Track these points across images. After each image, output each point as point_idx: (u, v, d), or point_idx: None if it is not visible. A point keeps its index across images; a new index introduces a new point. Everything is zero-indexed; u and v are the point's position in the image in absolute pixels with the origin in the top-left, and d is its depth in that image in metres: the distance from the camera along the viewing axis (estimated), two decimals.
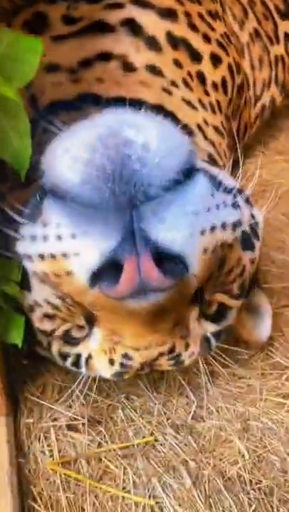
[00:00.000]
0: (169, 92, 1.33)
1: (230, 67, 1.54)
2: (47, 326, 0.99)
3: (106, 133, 0.80)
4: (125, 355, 0.98)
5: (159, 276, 0.79)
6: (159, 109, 1.25)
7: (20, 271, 0.96)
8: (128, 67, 1.28)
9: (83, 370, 1.05)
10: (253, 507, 1.10)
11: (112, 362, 1.00)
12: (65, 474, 1.07)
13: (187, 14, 1.38)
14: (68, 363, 1.06)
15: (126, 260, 0.78)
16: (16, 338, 0.97)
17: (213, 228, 0.85)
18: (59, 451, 1.11)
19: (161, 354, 0.99)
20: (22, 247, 0.89)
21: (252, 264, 1.06)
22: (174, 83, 1.34)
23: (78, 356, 1.04)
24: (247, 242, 1.03)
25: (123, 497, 1.07)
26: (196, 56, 1.39)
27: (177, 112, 1.31)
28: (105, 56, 1.27)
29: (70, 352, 1.04)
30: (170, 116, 1.27)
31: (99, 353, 1.00)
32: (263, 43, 1.89)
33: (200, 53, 1.40)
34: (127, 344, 0.96)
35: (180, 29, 1.35)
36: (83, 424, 1.16)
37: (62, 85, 1.26)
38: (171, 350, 0.99)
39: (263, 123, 2.08)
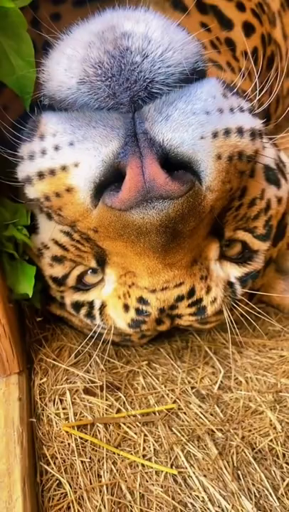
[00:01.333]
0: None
1: (262, 37, 1.47)
2: (58, 271, 0.93)
3: (103, 27, 0.73)
4: (140, 299, 0.90)
5: (165, 180, 0.70)
6: None
7: (29, 214, 0.91)
8: None
9: (98, 320, 0.98)
10: (287, 481, 1.00)
11: (126, 308, 0.93)
12: (80, 438, 0.99)
13: None
14: (82, 313, 1.00)
15: (128, 164, 0.70)
16: (27, 287, 0.91)
17: (227, 132, 0.76)
18: (75, 415, 1.03)
19: (179, 298, 0.91)
20: (22, 171, 0.81)
21: (279, 204, 0.97)
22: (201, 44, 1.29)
23: (92, 304, 0.98)
24: (272, 175, 0.95)
25: (143, 465, 0.99)
26: (226, 23, 1.32)
27: None
28: None
29: (83, 300, 0.98)
30: None
31: (113, 299, 0.93)
32: None
33: (231, 20, 1.33)
34: (142, 285, 0.88)
35: None
36: (101, 388, 1.09)
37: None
38: (191, 293, 0.91)
39: None
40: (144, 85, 0.71)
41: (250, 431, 1.08)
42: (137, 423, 1.05)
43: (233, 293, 0.97)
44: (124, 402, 1.09)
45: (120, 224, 0.74)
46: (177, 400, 1.11)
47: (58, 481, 0.93)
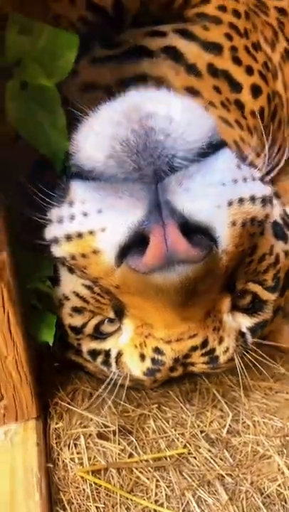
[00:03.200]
0: (206, 109, 1.35)
1: (268, 96, 1.56)
2: (77, 320, 0.99)
3: (129, 108, 0.81)
4: (156, 349, 0.96)
5: (186, 247, 0.77)
6: None
7: (52, 265, 0.96)
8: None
9: (114, 368, 1.03)
10: None
11: (142, 357, 0.98)
12: (95, 483, 1.03)
13: (233, 48, 1.40)
14: (99, 361, 1.04)
15: (152, 231, 0.77)
16: (48, 336, 0.96)
17: (241, 200, 0.84)
18: (89, 460, 1.06)
19: (193, 348, 0.96)
20: (49, 232, 0.89)
21: (286, 257, 1.03)
22: (211, 103, 1.36)
23: (108, 353, 1.02)
24: (279, 231, 1.02)
25: (155, 510, 1.02)
26: (235, 86, 1.40)
27: None
28: (143, 77, 1.30)
29: (100, 348, 1.02)
30: None
31: (129, 348, 0.98)
32: None
33: (240, 84, 1.42)
34: (158, 336, 0.93)
35: (223, 62, 1.38)
36: (114, 432, 1.12)
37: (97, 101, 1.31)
38: (204, 344, 0.96)
39: None
40: (166, 160, 0.78)
41: (258, 475, 1.11)
42: (149, 468, 1.09)
43: (244, 342, 1.02)
44: (136, 447, 1.12)
45: (142, 284, 0.81)
46: (187, 445, 1.15)
47: None
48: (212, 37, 1.35)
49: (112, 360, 1.02)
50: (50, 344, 0.97)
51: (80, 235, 0.83)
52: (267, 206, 0.89)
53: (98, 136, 0.80)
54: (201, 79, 1.34)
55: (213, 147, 0.84)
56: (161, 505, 1.03)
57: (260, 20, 1.78)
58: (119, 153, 0.78)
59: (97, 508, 1.00)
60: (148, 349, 0.96)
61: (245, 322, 1.02)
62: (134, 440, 1.13)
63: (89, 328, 1.00)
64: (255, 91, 1.47)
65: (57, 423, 1.10)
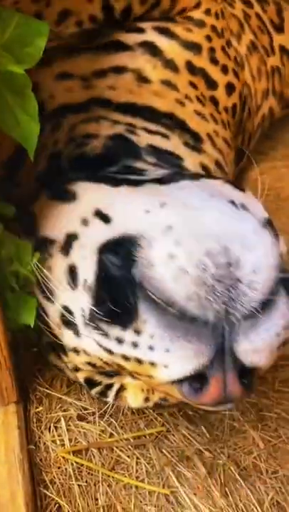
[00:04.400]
0: (182, 104, 1.38)
1: (240, 93, 1.61)
2: (87, 368, 0.99)
3: (216, 248, 0.79)
4: (164, 398, 1.01)
5: (242, 393, 0.83)
6: (169, 117, 1.31)
7: (33, 252, 0.98)
8: (142, 79, 1.33)
9: (110, 399, 1.05)
10: (271, 495, 1.08)
11: (147, 400, 1.02)
12: (76, 463, 1.06)
13: (212, 49, 1.44)
14: (94, 391, 1.05)
15: (214, 378, 0.81)
16: (28, 318, 0.98)
17: (285, 342, 0.88)
18: (70, 441, 1.09)
19: None
20: (102, 342, 0.88)
21: None
22: (187, 97, 1.39)
23: (109, 386, 1.04)
24: None
25: (136, 486, 1.06)
26: (211, 84, 1.45)
27: (188, 121, 1.35)
28: (120, 69, 1.32)
29: (101, 381, 1.03)
30: (181, 123, 1.33)
31: (135, 389, 1.02)
32: (260, 54, 1.97)
33: (216, 82, 1.46)
34: (170, 395, 0.97)
35: (201, 61, 1.41)
36: (93, 414, 1.15)
37: (74, 91, 1.32)
38: None
39: (263, 133, 2.14)
40: (243, 311, 0.80)
41: (235, 449, 1.16)
42: (129, 446, 1.12)
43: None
44: (115, 427, 1.16)
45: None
46: (166, 424, 1.19)
47: (57, 505, 0.99)
48: (193, 38, 1.38)
49: (112, 393, 1.04)
50: (32, 326, 0.98)
51: (139, 361, 0.85)
52: None
53: (180, 273, 0.79)
54: (178, 74, 1.37)
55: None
56: (142, 481, 1.07)
57: (227, 12, 1.83)
58: (202, 300, 0.78)
59: (79, 486, 1.03)
60: (155, 396, 1.01)
61: None
62: (114, 421, 1.16)
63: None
64: (229, 89, 1.53)
65: (37, 407, 1.13)
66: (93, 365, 0.98)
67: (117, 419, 1.18)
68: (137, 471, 1.09)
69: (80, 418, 1.15)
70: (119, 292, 0.85)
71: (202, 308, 0.79)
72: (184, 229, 0.83)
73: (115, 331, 0.86)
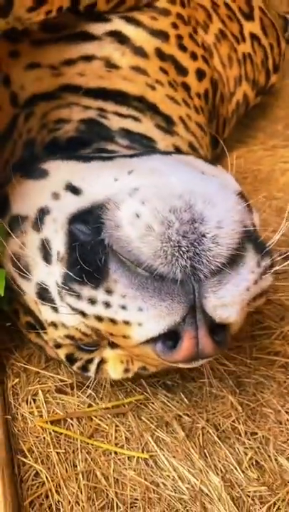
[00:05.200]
0: (153, 88, 1.41)
1: (211, 79, 1.65)
2: (66, 341, 1.01)
3: (180, 205, 0.82)
4: (143, 368, 1.03)
5: (214, 348, 0.85)
6: (140, 101, 1.34)
7: (5, 230, 1.00)
8: (111, 66, 1.35)
9: (91, 373, 1.06)
10: (249, 455, 1.10)
11: (127, 371, 1.04)
12: (54, 431, 1.07)
13: (179, 37, 1.47)
14: (75, 366, 1.06)
15: (186, 333, 0.83)
16: None
17: (254, 298, 0.91)
18: (48, 413, 1.11)
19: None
20: (75, 304, 0.90)
21: None
22: (158, 81, 1.42)
23: (90, 361, 1.05)
24: None
25: (116, 452, 1.07)
26: (182, 70, 1.48)
27: (160, 104, 1.38)
28: (88, 57, 1.34)
29: (82, 357, 1.05)
30: (152, 106, 1.35)
31: (114, 360, 1.03)
32: (229, 42, 2.01)
33: (186, 68, 1.50)
34: (148, 364, 1.00)
35: (169, 48, 1.44)
36: (72, 387, 1.17)
37: (43, 79, 1.35)
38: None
39: (238, 119, 2.18)
40: (210, 267, 0.82)
41: (213, 414, 1.18)
42: (108, 415, 1.14)
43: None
44: (94, 398, 1.17)
45: (160, 359, 0.89)
46: (145, 393, 1.20)
47: (35, 472, 1.00)
48: (159, 26, 1.41)
49: (93, 367, 1.05)
50: (2, 295, 1.00)
51: (113, 321, 0.87)
52: (265, 296, 0.97)
53: (146, 231, 0.81)
54: (148, 60, 1.40)
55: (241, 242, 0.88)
56: (122, 447, 1.09)
57: (193, 2, 1.87)
58: (169, 257, 0.81)
59: (58, 453, 1.04)
60: (134, 366, 1.03)
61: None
62: (93, 393, 1.18)
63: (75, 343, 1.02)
64: (200, 75, 1.56)
65: (14, 381, 1.14)
66: (72, 338, 1.00)
67: (96, 391, 1.19)
68: (116, 438, 1.10)
69: (59, 391, 1.16)
70: (90, 255, 0.88)
71: (169, 264, 0.81)
72: (149, 189, 0.85)
73: (87, 290, 0.87)
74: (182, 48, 1.50)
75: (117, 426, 1.12)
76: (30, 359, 1.22)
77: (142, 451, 1.08)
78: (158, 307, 0.83)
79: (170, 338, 0.86)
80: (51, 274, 0.95)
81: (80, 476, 1.01)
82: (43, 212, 0.99)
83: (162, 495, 1.01)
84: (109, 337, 0.93)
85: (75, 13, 1.33)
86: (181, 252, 0.81)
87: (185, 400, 1.20)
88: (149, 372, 1.06)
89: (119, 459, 1.07)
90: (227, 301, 0.85)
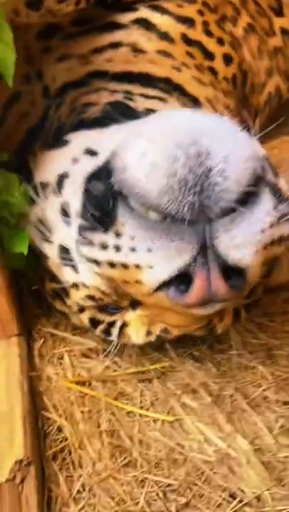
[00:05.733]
0: (179, 70, 1.44)
1: (239, 65, 1.67)
2: (87, 303, 1.03)
3: (186, 141, 0.80)
4: (164, 330, 1.03)
5: (227, 290, 0.84)
6: (166, 82, 1.37)
7: (22, 183, 1.04)
8: (137, 50, 1.39)
9: (114, 337, 1.07)
10: (281, 423, 1.07)
11: (149, 333, 1.04)
12: (80, 392, 1.07)
13: (205, 23, 1.51)
14: (98, 329, 1.07)
15: (197, 274, 0.82)
16: (22, 247, 1.02)
17: (272, 243, 0.89)
18: (73, 375, 1.11)
19: (198, 328, 1.04)
20: (89, 252, 0.92)
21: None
22: (185, 64, 1.45)
23: (112, 324, 1.06)
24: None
25: (140, 414, 1.06)
26: (209, 55, 1.51)
27: (186, 86, 1.40)
28: (116, 45, 1.39)
29: (104, 320, 1.06)
30: (178, 88, 1.37)
31: (137, 323, 1.03)
32: (258, 35, 2.03)
33: (213, 54, 1.53)
34: (169, 323, 1.01)
35: (195, 34, 1.48)
36: (98, 353, 1.17)
37: (73, 69, 1.41)
38: (208, 324, 1.05)
39: (271, 111, 2.18)
40: (221, 204, 0.81)
41: (243, 383, 1.15)
42: (134, 380, 1.13)
43: (238, 317, 1.12)
44: (120, 366, 1.17)
45: (175, 307, 0.89)
46: (171, 362, 1.19)
47: (58, 427, 1.00)
48: (185, 12, 1.45)
49: (115, 330, 1.06)
50: (25, 253, 1.02)
51: (125, 266, 0.87)
52: (286, 243, 0.94)
53: (152, 169, 0.80)
54: (174, 44, 1.45)
55: (256, 183, 0.86)
56: (147, 410, 1.07)
57: None
58: (176, 193, 0.79)
59: (82, 412, 1.04)
60: (156, 328, 1.03)
61: (241, 301, 1.09)
62: (118, 360, 1.17)
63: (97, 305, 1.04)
64: (227, 59, 1.59)
65: (40, 345, 1.16)
66: (93, 298, 1.01)
67: (122, 359, 1.19)
68: (141, 401, 1.09)
69: (84, 356, 1.17)
70: (100, 203, 0.90)
71: (176, 202, 0.80)
72: (156, 129, 0.86)
73: (98, 235, 0.89)
74: (208, 33, 1.53)
75: (142, 390, 1.11)
76: (57, 327, 1.23)
77: (168, 415, 1.06)
78: (167, 248, 0.82)
79: (182, 282, 0.85)
80: (70, 234, 0.98)
81: (104, 434, 1.00)
82: (62, 177, 1.02)
83: (187, 456, 0.99)
84: (124, 287, 0.93)
85: (103, 4, 1.39)
86: (189, 187, 0.79)
87: (213, 369, 1.18)
88: (171, 335, 1.05)
89: (144, 421, 1.05)
90: (240, 241, 0.83)
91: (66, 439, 0.98)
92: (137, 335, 1.06)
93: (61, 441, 0.97)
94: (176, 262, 0.83)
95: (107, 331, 1.08)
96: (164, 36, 1.42)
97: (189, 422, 1.05)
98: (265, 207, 0.86)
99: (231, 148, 0.81)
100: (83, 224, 0.93)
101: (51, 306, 1.19)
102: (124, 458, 0.97)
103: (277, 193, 0.89)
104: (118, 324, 1.06)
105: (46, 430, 0.99)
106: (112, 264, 0.89)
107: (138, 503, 0.90)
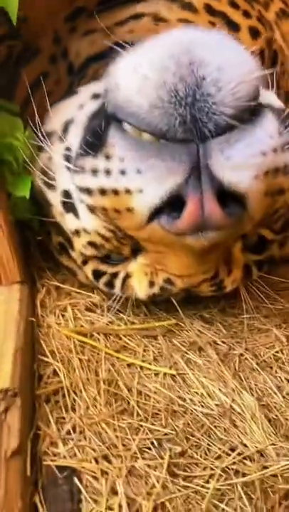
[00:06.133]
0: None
1: (268, 40, 1.65)
2: (89, 252, 1.01)
3: (178, 50, 0.76)
4: (167, 280, 0.99)
5: (221, 215, 0.79)
6: None
7: (25, 127, 1.04)
8: (159, 19, 1.40)
9: (117, 289, 1.05)
10: None
11: (152, 284, 1.01)
12: (80, 342, 1.04)
13: None
14: (102, 281, 1.05)
15: (190, 197, 0.78)
16: (24, 191, 1.02)
17: (276, 170, 0.83)
18: (75, 327, 1.08)
19: (204, 280, 1.00)
20: (81, 180, 0.90)
21: None
22: None
23: (115, 275, 1.04)
24: None
25: (141, 367, 1.01)
26: (233, 26, 1.48)
27: None
28: (137, 16, 1.40)
29: (106, 271, 1.04)
30: None
31: (139, 274, 1.01)
32: None
33: (238, 25, 1.52)
34: (171, 272, 0.97)
35: (220, 5, 1.46)
36: (102, 309, 1.14)
37: (96, 42, 1.42)
38: (214, 276, 1.00)
39: None
40: (214, 118, 0.76)
41: (254, 344, 1.09)
42: (138, 336, 1.09)
43: (250, 274, 1.06)
44: (126, 323, 1.13)
45: (169, 240, 0.85)
46: (179, 321, 1.14)
47: (54, 371, 0.96)
48: None
49: (118, 282, 1.03)
50: (27, 197, 1.02)
51: (116, 192, 0.84)
52: None
53: (143, 81, 0.77)
54: (197, 14, 1.44)
55: (257, 106, 0.83)
56: (149, 364, 1.03)
57: None
58: (166, 105, 0.75)
59: (80, 360, 1.00)
60: (159, 278, 0.99)
61: (252, 257, 1.05)
62: (124, 316, 1.13)
63: (99, 255, 1.02)
64: (254, 33, 1.56)
65: (44, 295, 1.13)
66: (94, 245, 0.99)
67: (128, 316, 1.15)
68: (143, 355, 1.05)
69: (89, 310, 1.14)
70: (94, 128, 0.89)
71: (167, 116, 0.76)
72: (149, 45, 0.82)
73: (89, 161, 0.87)
74: (234, 5, 1.52)
75: (145, 346, 1.07)
76: (65, 282, 1.20)
77: (170, 369, 1.01)
78: (157, 168, 0.78)
79: (175, 210, 0.80)
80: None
81: (102, 382, 0.96)
82: (68, 123, 1.01)
83: (188, 408, 0.94)
84: (118, 222, 0.90)
85: None
86: (179, 99, 0.75)
87: (223, 330, 1.12)
88: (176, 288, 1.01)
89: (144, 374, 1.01)
90: (237, 162, 0.77)
91: (61, 383, 0.94)
92: (139, 286, 1.02)
93: (55, 384, 0.94)
94: (166, 183, 0.79)
95: (111, 283, 1.06)
96: (187, 6, 1.42)
97: (193, 377, 1.00)
98: (267, 128, 0.81)
99: (228, 58, 0.77)
100: (76, 154, 0.91)
101: (58, 262, 1.18)
102: (120, 405, 0.93)
103: (281, 119, 0.84)
104: (121, 275, 1.04)
105: (41, 372, 0.96)
106: (103, 191, 0.86)
107: (130, 449, 0.85)
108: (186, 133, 0.76)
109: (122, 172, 0.82)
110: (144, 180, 0.80)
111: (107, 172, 0.84)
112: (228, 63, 0.76)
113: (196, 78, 0.75)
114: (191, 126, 0.76)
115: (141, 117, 0.78)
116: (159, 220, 0.83)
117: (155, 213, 0.82)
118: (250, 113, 0.80)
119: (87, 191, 0.89)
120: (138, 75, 0.78)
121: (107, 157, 0.83)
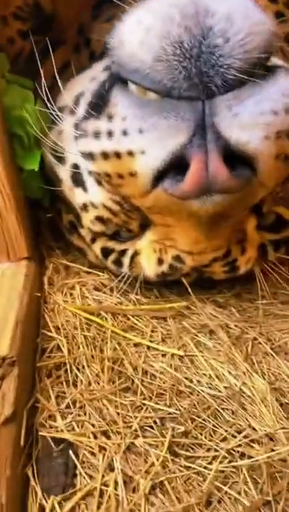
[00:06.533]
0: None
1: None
2: (97, 227, 0.99)
3: (185, 2, 0.72)
4: (177, 258, 0.95)
5: (227, 177, 0.75)
6: None
7: (34, 97, 1.03)
8: None
9: (125, 268, 1.02)
10: None
11: (160, 261, 0.98)
12: (86, 319, 1.01)
13: None
14: (110, 259, 1.04)
15: (194, 158, 0.74)
16: (33, 164, 1.01)
17: None
18: (82, 305, 1.06)
19: (215, 259, 0.96)
20: (85, 145, 0.88)
21: None
22: None
23: (123, 252, 1.02)
24: None
25: (148, 347, 0.98)
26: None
27: None
28: None
29: (114, 248, 1.02)
30: None
31: (148, 251, 0.98)
32: None
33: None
34: (181, 248, 0.93)
35: None
36: (111, 289, 1.11)
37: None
38: (226, 255, 0.96)
39: None
40: (221, 71, 0.72)
41: (269, 329, 1.04)
42: (146, 316, 1.06)
43: (265, 254, 1.01)
44: (135, 303, 1.10)
45: (176, 207, 0.81)
46: (191, 305, 1.10)
47: (58, 346, 0.94)
48: None
49: (126, 260, 1.01)
50: (36, 169, 1.01)
51: (118, 155, 0.81)
52: None
53: (146, 33, 0.73)
54: None
55: (268, 69, 0.78)
56: (156, 344, 0.99)
57: None
58: (170, 57, 0.71)
59: (85, 337, 0.97)
60: (168, 256, 0.96)
61: (268, 237, 1.00)
62: (133, 297, 1.10)
63: (108, 232, 1.01)
64: (280, 17, 1.54)
65: (52, 273, 1.12)
66: (102, 220, 0.98)
67: (138, 298, 1.12)
68: (151, 336, 1.01)
69: (97, 289, 1.11)
70: (99, 91, 0.87)
71: (170, 69, 0.72)
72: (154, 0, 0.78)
73: (91, 123, 0.84)
74: None
75: (154, 327, 1.04)
76: (75, 261, 1.18)
77: (178, 350, 0.98)
78: (160, 127, 0.75)
79: (179, 173, 0.77)
80: None
81: (106, 360, 0.93)
82: (79, 96, 0.99)
83: (194, 389, 0.90)
84: (121, 189, 0.87)
85: None
86: (184, 50, 0.70)
87: (236, 313, 1.08)
88: (186, 266, 0.97)
89: (151, 354, 0.97)
90: (246, 119, 0.73)
91: (63, 357, 0.92)
92: (148, 263, 0.99)
93: (58, 359, 0.92)
94: (170, 143, 0.75)
95: (119, 262, 1.03)
96: None
97: (202, 358, 0.96)
98: (280, 86, 0.76)
99: (237, 8, 0.72)
100: (82, 117, 0.89)
101: (69, 242, 1.16)
102: (124, 382, 0.90)
103: None
104: (129, 253, 1.02)
105: (44, 346, 0.94)
106: (105, 155, 0.84)
107: (131, 426, 0.82)
108: (192, 89, 0.73)
109: (124, 132, 0.79)
110: (146, 140, 0.77)
111: (109, 134, 0.81)
112: (237, 13, 0.72)
113: (202, 28, 0.71)
114: (197, 80, 0.72)
115: (145, 73, 0.75)
116: (163, 185, 0.79)
117: (159, 177, 0.79)
118: (262, 69, 0.76)
119: (91, 156, 0.87)
120: (142, 27, 0.75)
121: (110, 117, 0.81)
